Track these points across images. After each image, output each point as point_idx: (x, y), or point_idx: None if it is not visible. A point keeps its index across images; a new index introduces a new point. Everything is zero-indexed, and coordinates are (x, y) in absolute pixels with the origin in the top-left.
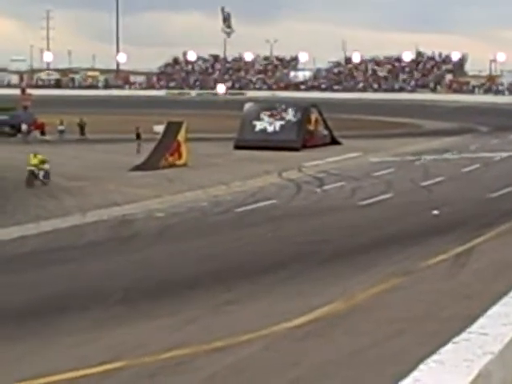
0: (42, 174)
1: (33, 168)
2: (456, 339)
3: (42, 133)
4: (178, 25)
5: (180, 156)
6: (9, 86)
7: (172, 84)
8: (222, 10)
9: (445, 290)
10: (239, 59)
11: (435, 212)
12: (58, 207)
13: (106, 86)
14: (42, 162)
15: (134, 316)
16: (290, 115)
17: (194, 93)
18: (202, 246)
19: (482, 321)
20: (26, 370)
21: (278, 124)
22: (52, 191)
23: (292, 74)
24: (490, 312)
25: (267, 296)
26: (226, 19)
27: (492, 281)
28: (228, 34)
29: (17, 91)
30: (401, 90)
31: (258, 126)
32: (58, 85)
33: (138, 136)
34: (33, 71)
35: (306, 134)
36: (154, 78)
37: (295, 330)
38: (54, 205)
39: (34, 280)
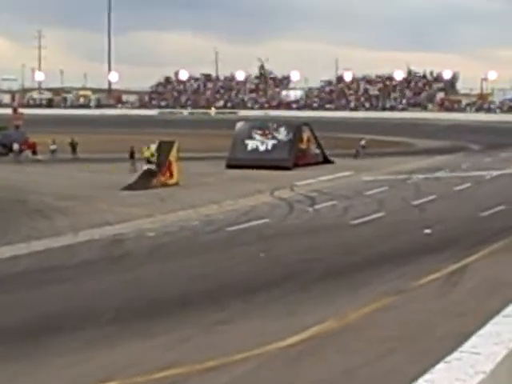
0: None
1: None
2: (448, 358)
3: (34, 152)
4: (170, 44)
5: (171, 175)
6: (0, 105)
7: (164, 103)
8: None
9: (437, 308)
10: (231, 78)
11: (427, 231)
12: (50, 227)
13: (98, 106)
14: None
15: (126, 335)
16: (281, 134)
17: (185, 112)
18: (194, 265)
19: (473, 340)
20: None
21: (269, 143)
22: (44, 211)
23: (284, 92)
24: (481, 331)
25: (260, 315)
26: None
27: (485, 299)
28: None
29: (8, 110)
30: (392, 108)
31: (250, 144)
32: (49, 104)
33: (132, 155)
34: (24, 90)
35: (298, 153)
36: (146, 98)
37: (288, 349)
38: (45, 224)
39: (26, 300)
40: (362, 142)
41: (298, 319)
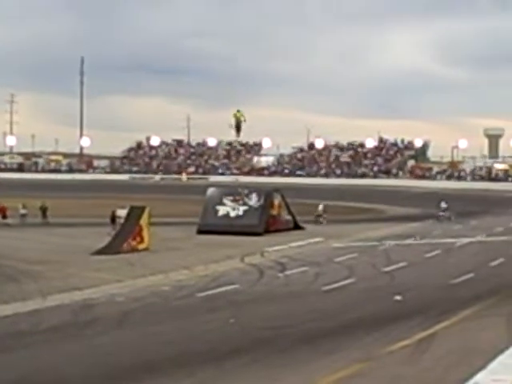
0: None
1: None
2: None
3: (4, 216)
4: (142, 109)
5: (142, 240)
6: None
7: (135, 168)
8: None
9: (406, 375)
10: (203, 144)
11: (398, 297)
12: (18, 291)
13: (70, 170)
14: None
15: None
16: (252, 200)
17: (157, 177)
18: (164, 331)
19: None
20: None
21: (240, 209)
22: (13, 275)
23: (255, 159)
24: None
25: (229, 381)
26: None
27: (453, 367)
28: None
29: None
30: (364, 175)
31: (221, 210)
32: (20, 168)
33: (113, 220)
34: None
35: (269, 219)
36: (118, 162)
37: None
38: (14, 288)
39: None
40: (320, 208)
41: None
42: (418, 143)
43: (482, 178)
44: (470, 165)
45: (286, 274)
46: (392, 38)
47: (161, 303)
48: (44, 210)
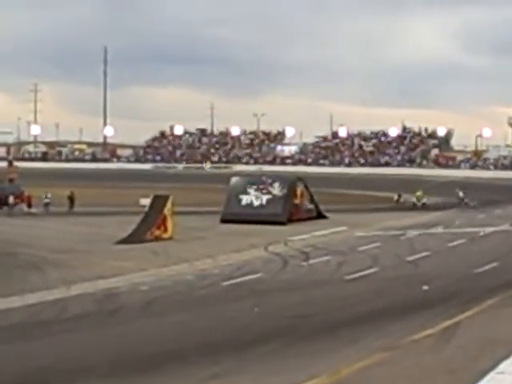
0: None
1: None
2: None
3: (29, 205)
4: (165, 99)
5: (166, 229)
6: None
7: (159, 157)
8: None
9: (430, 364)
10: (226, 133)
11: (425, 287)
12: (43, 280)
13: (93, 159)
14: (422, 197)
15: None
16: (276, 189)
17: (180, 166)
18: (187, 319)
19: None
20: None
21: (264, 198)
22: (37, 264)
23: (278, 148)
24: None
25: (253, 370)
26: None
27: (477, 356)
28: None
29: (3, 164)
30: (387, 164)
31: (245, 199)
32: (44, 158)
33: None
34: (20, 144)
35: (292, 208)
36: (141, 152)
37: None
38: (39, 278)
39: (18, 353)
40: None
41: (291, 375)
42: (442, 132)
43: (505, 167)
44: (494, 154)
45: (309, 263)
46: (416, 25)
47: (185, 292)
48: (72, 199)
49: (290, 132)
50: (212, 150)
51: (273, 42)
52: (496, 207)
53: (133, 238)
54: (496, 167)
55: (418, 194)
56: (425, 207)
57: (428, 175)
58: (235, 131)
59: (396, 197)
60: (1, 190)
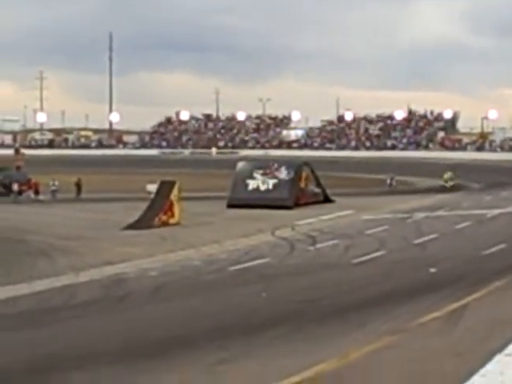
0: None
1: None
2: None
3: (37, 192)
4: (171, 85)
5: (173, 215)
6: (2, 145)
7: (165, 143)
8: None
9: (437, 347)
10: (232, 118)
11: (432, 270)
12: (51, 267)
13: (100, 146)
14: (451, 178)
15: (127, 375)
16: (282, 173)
17: (187, 152)
18: (195, 305)
19: (476, 379)
20: None
21: (270, 182)
22: (45, 251)
23: (284, 132)
24: (483, 370)
25: (262, 355)
26: None
27: (485, 338)
28: None
29: (10, 151)
30: (393, 147)
31: (251, 184)
32: (50, 145)
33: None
34: (26, 131)
35: (299, 192)
36: (147, 138)
37: None
38: (47, 264)
39: (28, 339)
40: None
41: (300, 359)
42: (448, 114)
43: None
44: (500, 136)
45: (316, 247)
46: (421, 7)
47: (193, 277)
48: (79, 186)
49: (295, 116)
50: (218, 136)
51: (281, 29)
52: (502, 189)
53: (140, 224)
54: (502, 149)
55: (446, 176)
56: (454, 188)
57: (434, 157)
58: (241, 116)
59: (388, 180)
60: (8, 178)
